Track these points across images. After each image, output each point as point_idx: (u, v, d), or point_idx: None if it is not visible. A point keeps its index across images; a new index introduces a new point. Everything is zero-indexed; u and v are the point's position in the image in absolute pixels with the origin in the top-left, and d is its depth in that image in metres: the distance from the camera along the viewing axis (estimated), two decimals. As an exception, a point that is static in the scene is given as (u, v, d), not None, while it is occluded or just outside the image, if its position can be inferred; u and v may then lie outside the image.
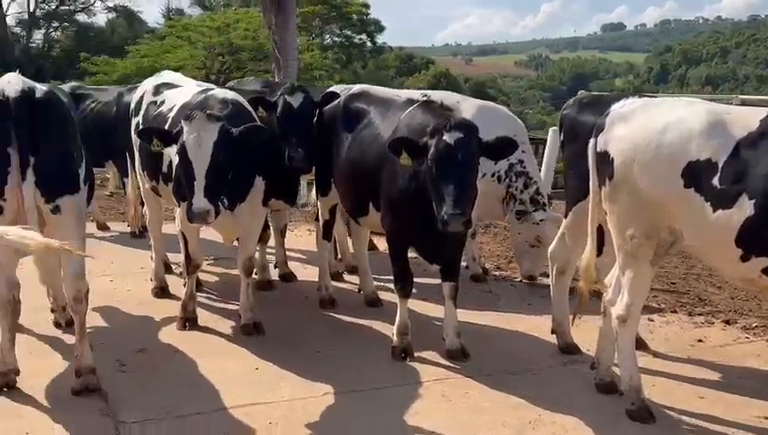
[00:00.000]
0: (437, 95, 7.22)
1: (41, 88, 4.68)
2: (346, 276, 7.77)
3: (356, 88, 6.56)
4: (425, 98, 6.50)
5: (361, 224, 6.31)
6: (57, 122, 4.67)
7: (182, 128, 5.26)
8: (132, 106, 7.17)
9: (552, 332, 5.84)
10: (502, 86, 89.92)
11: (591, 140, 4.68)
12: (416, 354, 5.53)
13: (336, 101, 6.42)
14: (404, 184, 5.19)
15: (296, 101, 6.46)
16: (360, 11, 50.60)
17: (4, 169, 4.42)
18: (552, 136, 8.13)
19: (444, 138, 4.75)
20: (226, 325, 6.23)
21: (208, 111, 5.36)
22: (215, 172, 5.16)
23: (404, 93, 7.07)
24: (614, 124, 4.56)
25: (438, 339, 5.65)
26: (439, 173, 4.72)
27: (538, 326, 6.20)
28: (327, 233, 6.86)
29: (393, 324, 5.66)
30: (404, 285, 5.54)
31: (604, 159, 4.56)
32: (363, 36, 56.58)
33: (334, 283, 7.15)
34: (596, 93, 8.05)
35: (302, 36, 33.92)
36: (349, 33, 55.04)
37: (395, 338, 5.58)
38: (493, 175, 7.29)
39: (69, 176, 4.68)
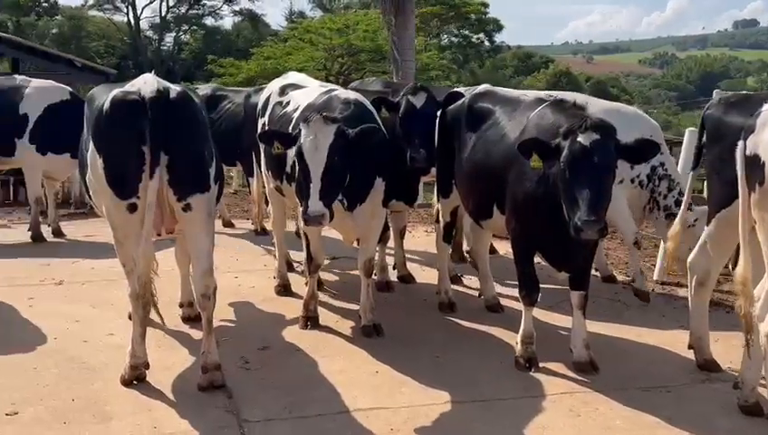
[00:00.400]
0: (563, 96, 6.92)
1: (174, 88, 4.79)
2: (466, 280, 7.61)
3: (481, 87, 6.38)
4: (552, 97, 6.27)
5: (484, 227, 6.12)
6: (189, 122, 4.77)
7: (300, 131, 5.26)
8: (259, 107, 7.30)
9: (690, 347, 5.45)
10: (625, 85, 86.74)
11: (740, 143, 4.31)
12: (540, 365, 5.30)
13: (460, 101, 6.28)
14: (532, 187, 4.98)
15: (419, 101, 6.37)
16: (479, 10, 50.15)
17: (138, 167, 4.54)
18: (689, 137, 7.62)
19: (578, 139, 4.50)
20: (346, 326, 6.21)
21: (325, 114, 5.32)
22: (331, 175, 5.12)
23: (530, 93, 6.84)
24: (765, 126, 4.18)
25: (565, 350, 5.39)
26: (573, 176, 4.48)
27: (672, 340, 5.82)
28: (447, 235, 6.73)
29: (515, 332, 5.46)
30: (529, 293, 5.32)
31: (754, 163, 4.19)
32: (481, 36, 56.14)
33: (453, 286, 7.01)
34: (743, 92, 7.50)
35: (419, 37, 33.94)
36: (466, 32, 54.75)
37: (519, 347, 5.37)
38: (633, 180, 6.93)
39: (200, 175, 4.78)
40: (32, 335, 5.83)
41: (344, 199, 5.54)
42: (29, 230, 9.81)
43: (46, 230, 9.91)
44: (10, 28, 48.29)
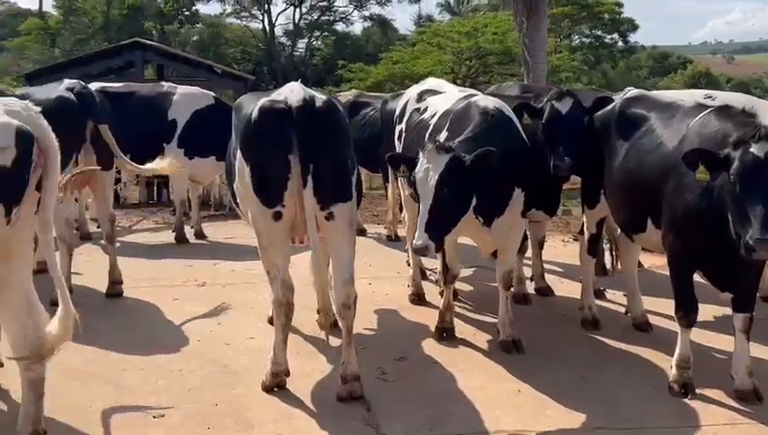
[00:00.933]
0: (724, 97, 6.42)
1: (320, 97, 4.78)
2: (609, 295, 7.22)
3: (633, 92, 6.00)
4: (709, 99, 5.83)
5: (635, 241, 5.76)
6: (335, 131, 4.75)
7: (418, 157, 5.07)
8: (396, 113, 7.25)
9: None
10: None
11: None
12: (696, 391, 4.90)
13: (610, 106, 5.94)
14: (695, 200, 4.60)
15: (564, 106, 6.10)
16: (613, 10, 48.49)
17: (285, 176, 4.56)
18: None
19: (752, 150, 4.12)
20: (484, 339, 6.02)
21: (438, 143, 5.10)
22: (440, 207, 4.89)
23: (686, 96, 6.37)
24: None
25: (724, 376, 4.97)
26: (745, 191, 4.10)
27: None
28: (592, 248, 6.39)
29: (664, 353, 5.12)
30: (687, 313, 4.93)
31: None
32: (614, 36, 54.37)
33: (599, 302, 6.66)
34: None
35: (550, 38, 33.22)
36: (599, 32, 53.18)
37: (673, 371, 4.99)
38: None
39: (343, 183, 4.75)
40: (176, 337, 6.01)
41: (479, 216, 5.36)
42: (173, 232, 10.23)
43: (189, 232, 10.29)
44: (155, 36, 51.26)
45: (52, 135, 3.78)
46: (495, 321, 5.99)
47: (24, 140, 3.59)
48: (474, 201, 5.17)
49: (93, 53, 24.00)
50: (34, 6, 67.36)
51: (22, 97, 6.75)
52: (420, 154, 5.03)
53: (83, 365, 5.34)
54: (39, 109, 3.83)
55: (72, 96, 6.81)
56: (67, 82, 7.03)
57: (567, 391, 4.95)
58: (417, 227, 4.89)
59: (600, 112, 6.00)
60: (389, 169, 8.27)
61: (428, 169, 4.92)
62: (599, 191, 6.00)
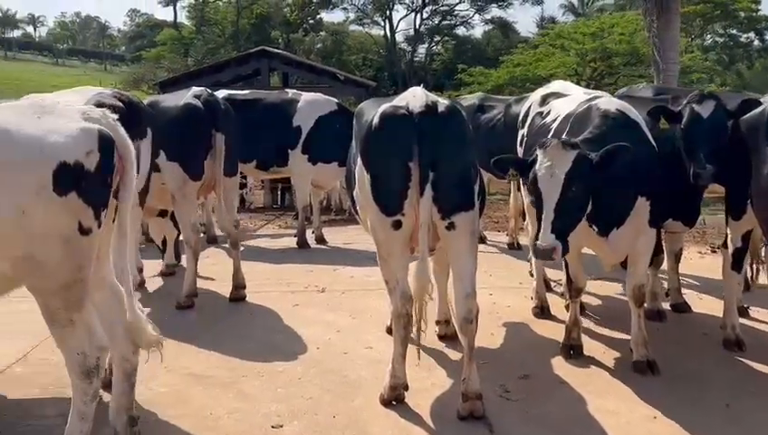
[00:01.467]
0: None
1: (443, 102, 4.61)
2: (753, 312, 6.64)
3: (786, 93, 5.47)
4: None
5: (789, 257, 5.23)
6: (457, 137, 4.56)
7: (536, 156, 4.81)
8: (520, 117, 7.00)
9: None
10: None
11: None
12: None
13: (758, 110, 5.43)
14: None
15: (706, 110, 5.64)
16: (749, 7, 45.65)
17: (404, 183, 4.41)
18: None
19: None
20: (615, 358, 5.64)
21: (563, 139, 4.82)
22: (566, 207, 4.62)
23: None
24: None
25: None
26: None
27: None
28: (737, 263, 5.85)
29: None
30: None
31: None
32: (750, 35, 51.31)
33: (742, 320, 6.13)
34: None
35: (681, 37, 31.68)
36: (734, 31, 50.33)
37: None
38: None
39: (465, 192, 4.55)
40: (295, 344, 5.99)
41: (593, 224, 5.04)
42: (295, 236, 10.36)
43: (310, 237, 10.39)
44: (281, 44, 52.88)
45: (130, 142, 3.81)
46: (627, 338, 5.61)
47: (107, 144, 3.63)
48: (588, 207, 4.86)
49: (223, 61, 24.89)
50: (170, 17, 71.14)
51: (150, 104, 7.03)
52: (540, 152, 4.78)
53: (206, 370, 5.40)
54: (116, 116, 3.85)
55: (199, 103, 6.98)
56: (194, 89, 7.22)
57: (708, 420, 4.54)
58: (542, 228, 4.64)
59: (746, 116, 5.49)
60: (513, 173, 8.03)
61: (552, 166, 4.67)
62: (745, 201, 5.49)
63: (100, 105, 4.58)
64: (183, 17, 67.43)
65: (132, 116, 5.00)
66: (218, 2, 63.30)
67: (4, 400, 4.85)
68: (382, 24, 61.08)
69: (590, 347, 5.81)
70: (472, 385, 4.55)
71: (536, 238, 4.70)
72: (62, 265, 3.49)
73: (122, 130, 3.77)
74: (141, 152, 5.33)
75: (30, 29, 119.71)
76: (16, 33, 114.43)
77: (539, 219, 4.76)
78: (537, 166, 4.75)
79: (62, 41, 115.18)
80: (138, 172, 5.13)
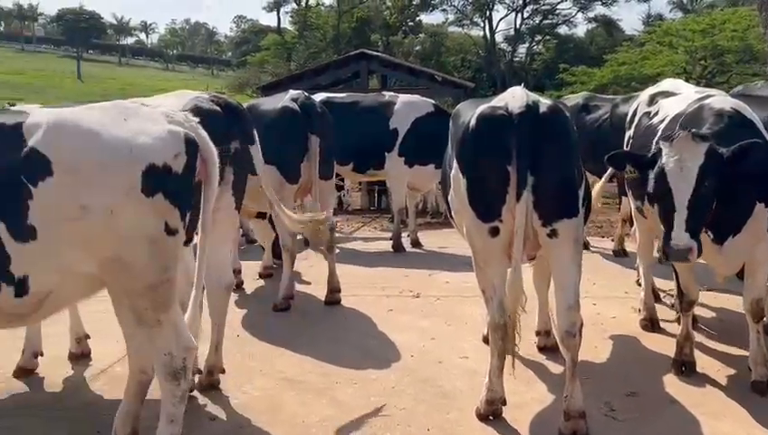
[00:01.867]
0: None
1: (545, 102, 4.37)
2: None
3: None
4: None
5: None
6: (560, 139, 4.30)
7: (660, 150, 4.49)
8: (627, 118, 6.64)
9: None
10: None
11: None
12: None
13: None
14: None
15: (837, 107, 5.14)
16: None
17: (503, 188, 4.20)
18: None
19: None
20: (729, 376, 5.23)
21: (693, 130, 4.48)
22: (699, 203, 4.33)
23: None
24: None
25: None
26: None
27: None
28: None
29: None
30: None
31: None
32: None
33: None
34: None
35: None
36: None
37: None
38: None
39: (569, 198, 4.30)
40: (389, 351, 5.87)
41: (708, 230, 4.69)
42: (391, 239, 10.27)
43: (405, 240, 10.28)
44: (380, 47, 53.26)
45: (212, 145, 3.80)
46: (745, 355, 5.19)
47: (192, 147, 3.64)
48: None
49: (323, 64, 25.22)
50: (275, 23, 72.97)
51: (249, 108, 7.07)
52: (665, 145, 4.51)
53: (299, 375, 5.35)
54: (198, 119, 3.85)
55: (296, 106, 6.97)
56: (292, 92, 7.23)
57: (839, 450, 4.12)
58: (674, 227, 4.35)
59: None
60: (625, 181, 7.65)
61: (682, 159, 4.39)
62: None
63: (197, 109, 4.61)
64: (286, 22, 68.97)
65: (231, 119, 5.01)
66: (320, 7, 64.45)
67: (102, 399, 4.95)
68: (481, 24, 60.63)
69: (704, 364, 5.42)
70: (575, 403, 4.29)
71: (667, 239, 4.40)
72: (149, 265, 3.50)
73: (204, 133, 3.77)
74: (254, 156, 5.37)
75: (142, 36, 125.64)
76: (130, 40, 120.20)
77: (665, 218, 4.48)
78: (664, 159, 4.47)
79: (173, 47, 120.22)
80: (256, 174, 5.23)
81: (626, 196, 8.63)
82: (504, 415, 4.57)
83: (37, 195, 3.34)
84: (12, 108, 4.10)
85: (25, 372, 5.37)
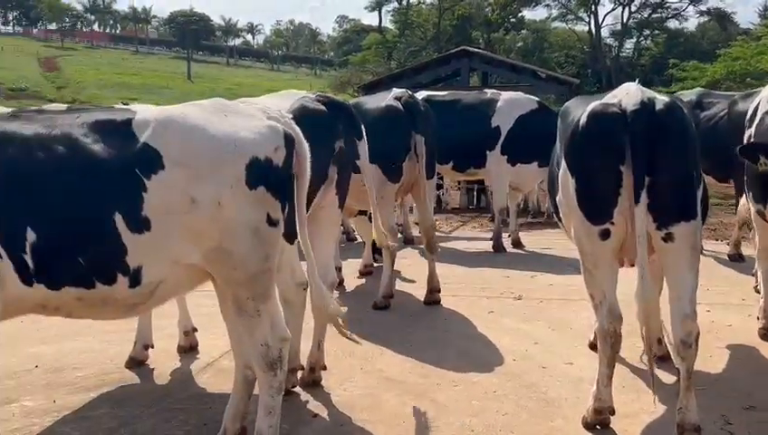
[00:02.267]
0: None
1: (661, 99, 4.15)
2: None
3: None
4: None
5: None
6: (677, 138, 4.08)
7: None
8: (747, 116, 6.25)
9: None
10: None
11: None
12: None
13: None
14: None
15: None
16: None
17: (615, 189, 4.03)
18: None
19: None
20: None
21: None
22: None
23: None
24: None
25: None
26: None
27: None
28: None
29: None
30: None
31: None
32: None
33: None
34: None
35: None
36: None
37: None
38: None
39: (686, 200, 4.07)
40: (491, 353, 5.76)
41: None
42: (491, 239, 10.12)
43: (506, 240, 10.10)
44: (481, 44, 52.77)
45: (305, 141, 3.87)
46: None
47: (289, 142, 3.73)
48: None
49: (423, 62, 25.18)
50: (376, 22, 73.56)
51: (355, 105, 7.11)
52: None
53: (399, 374, 5.32)
54: (291, 115, 3.95)
55: (400, 105, 6.95)
56: (395, 91, 7.20)
57: None
58: None
59: None
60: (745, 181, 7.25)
61: None
62: None
63: (303, 108, 4.69)
64: (387, 21, 69.38)
65: (337, 117, 5.05)
66: (421, 5, 64.48)
67: (208, 392, 5.07)
68: (587, 19, 59.04)
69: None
70: (689, 416, 4.06)
71: None
72: (251, 255, 3.58)
73: (298, 129, 3.86)
74: (360, 152, 5.47)
75: (249, 37, 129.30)
76: (237, 42, 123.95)
77: None
78: None
79: (278, 47, 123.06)
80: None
81: (743, 197, 8.18)
82: (611, 425, 4.38)
83: (151, 188, 3.44)
84: (124, 106, 4.25)
85: (136, 362, 5.57)
